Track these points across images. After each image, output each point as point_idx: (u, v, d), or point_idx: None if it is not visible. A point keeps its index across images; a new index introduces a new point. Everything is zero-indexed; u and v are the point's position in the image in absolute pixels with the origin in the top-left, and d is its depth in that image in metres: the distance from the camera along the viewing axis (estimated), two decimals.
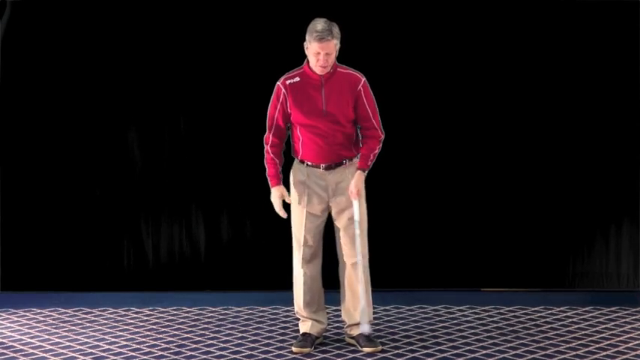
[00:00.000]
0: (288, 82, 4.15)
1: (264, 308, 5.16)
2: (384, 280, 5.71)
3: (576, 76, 5.63)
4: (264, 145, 4.25)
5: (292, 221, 4.28)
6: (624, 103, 5.63)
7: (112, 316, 5.02)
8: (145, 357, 4.19)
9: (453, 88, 5.66)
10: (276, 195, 4.20)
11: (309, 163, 4.21)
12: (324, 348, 4.28)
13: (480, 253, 5.71)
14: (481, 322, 4.84)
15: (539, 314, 5.01)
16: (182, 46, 5.67)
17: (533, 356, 4.16)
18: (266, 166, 4.25)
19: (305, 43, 4.09)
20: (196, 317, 4.98)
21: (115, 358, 4.18)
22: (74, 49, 5.66)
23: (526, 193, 5.72)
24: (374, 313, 5.05)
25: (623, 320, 4.87)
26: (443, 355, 4.20)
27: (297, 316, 4.42)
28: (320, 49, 4.03)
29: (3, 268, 5.69)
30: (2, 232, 5.68)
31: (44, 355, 4.23)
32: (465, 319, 4.91)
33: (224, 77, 5.68)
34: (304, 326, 4.35)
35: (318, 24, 4.06)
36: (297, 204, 4.24)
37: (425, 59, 5.64)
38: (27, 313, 5.07)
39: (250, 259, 5.68)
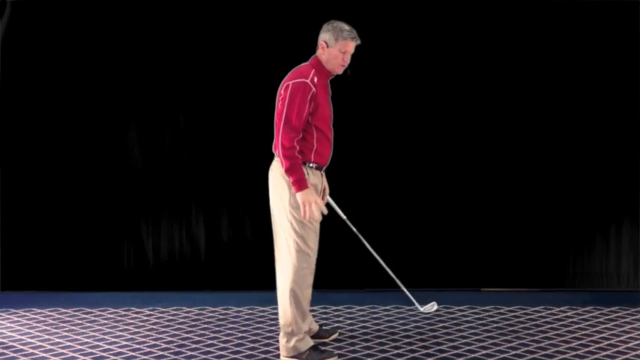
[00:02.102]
0: (315, 79, 4.02)
1: (264, 308, 5.16)
2: (384, 280, 5.74)
3: (576, 76, 5.63)
4: (293, 147, 3.92)
5: (301, 231, 4.01)
6: (624, 103, 5.63)
7: (112, 316, 5.02)
8: (145, 357, 4.19)
9: (453, 88, 5.67)
10: (313, 194, 3.93)
11: (317, 166, 4.10)
12: (325, 348, 4.27)
13: (480, 253, 5.71)
14: (481, 322, 4.84)
15: (539, 314, 5.01)
16: (182, 46, 5.67)
17: (533, 356, 4.16)
18: (294, 170, 3.91)
19: (327, 42, 4.06)
20: (196, 317, 4.98)
21: (115, 358, 4.18)
22: (74, 49, 5.66)
23: (526, 193, 5.72)
24: (374, 313, 5.07)
25: (623, 320, 4.87)
26: (443, 355, 4.20)
27: (294, 336, 4.09)
28: (350, 49, 4.09)
29: (3, 268, 5.69)
30: (2, 232, 5.68)
31: (44, 355, 4.23)
32: (465, 319, 4.91)
33: (224, 77, 5.68)
34: (306, 342, 4.13)
35: (344, 24, 4.09)
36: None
37: (427, 59, 5.64)
38: (27, 313, 5.07)
39: (250, 259, 5.68)
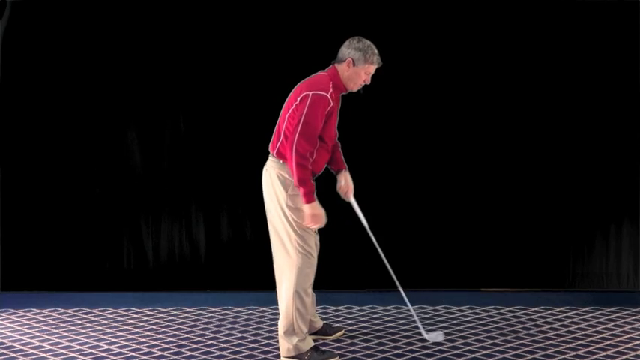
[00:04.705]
0: (333, 93, 4.01)
1: (264, 308, 5.16)
2: (384, 280, 5.74)
3: (576, 76, 5.63)
4: (307, 159, 3.93)
5: (301, 231, 4.04)
6: (624, 103, 5.63)
7: (112, 316, 5.02)
8: (145, 357, 4.19)
9: (453, 88, 5.66)
10: (319, 207, 3.99)
11: (312, 174, 4.07)
12: (325, 348, 4.27)
13: (480, 253, 5.71)
14: (481, 322, 4.84)
15: (539, 314, 5.01)
16: (182, 46, 5.67)
17: (533, 356, 4.16)
18: (306, 182, 3.93)
19: (356, 60, 4.03)
20: (196, 317, 4.98)
21: (115, 358, 4.18)
22: (74, 49, 5.66)
23: (526, 193, 5.72)
24: (374, 313, 5.07)
25: (623, 320, 4.87)
26: (443, 355, 4.20)
27: (296, 336, 4.09)
28: (373, 71, 4.10)
29: (3, 268, 5.69)
30: (2, 232, 5.68)
31: (44, 355, 4.23)
32: (465, 319, 4.91)
33: (224, 77, 5.68)
34: (307, 342, 4.13)
35: (374, 47, 4.07)
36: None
37: (425, 59, 5.64)
38: (27, 313, 5.07)
39: (250, 259, 5.68)
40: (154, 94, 5.70)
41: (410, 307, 4.39)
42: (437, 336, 4.38)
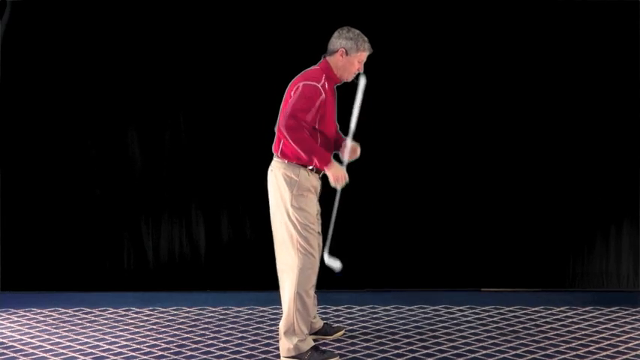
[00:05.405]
0: (326, 85, 4.02)
1: (264, 308, 5.16)
2: (384, 279, 5.75)
3: (576, 76, 5.63)
4: (302, 127, 3.89)
5: (304, 232, 4.04)
6: (624, 103, 5.63)
7: (112, 316, 5.02)
8: (145, 357, 4.19)
9: (453, 88, 5.67)
10: (340, 167, 4.00)
11: (317, 170, 4.09)
12: (325, 348, 4.27)
13: (480, 253, 5.71)
14: (481, 322, 4.84)
15: (539, 314, 5.01)
16: (182, 46, 5.67)
17: (533, 356, 4.16)
18: (313, 148, 3.92)
19: (348, 50, 4.06)
20: (196, 317, 4.98)
21: (115, 358, 4.18)
22: (74, 49, 5.66)
23: (526, 194, 5.72)
24: (374, 313, 5.07)
25: (623, 320, 4.87)
26: (443, 355, 4.20)
27: (296, 336, 4.08)
28: (365, 58, 4.13)
29: (3, 268, 5.69)
30: (2, 232, 5.68)
31: (44, 355, 4.23)
32: (465, 319, 4.91)
33: (224, 77, 5.68)
34: (307, 343, 4.13)
35: (363, 34, 4.11)
36: (313, 212, 4.11)
37: (424, 59, 5.64)
38: (27, 313, 5.07)
39: (250, 259, 5.68)
40: (154, 94, 5.70)
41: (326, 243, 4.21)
42: (336, 263, 4.22)
